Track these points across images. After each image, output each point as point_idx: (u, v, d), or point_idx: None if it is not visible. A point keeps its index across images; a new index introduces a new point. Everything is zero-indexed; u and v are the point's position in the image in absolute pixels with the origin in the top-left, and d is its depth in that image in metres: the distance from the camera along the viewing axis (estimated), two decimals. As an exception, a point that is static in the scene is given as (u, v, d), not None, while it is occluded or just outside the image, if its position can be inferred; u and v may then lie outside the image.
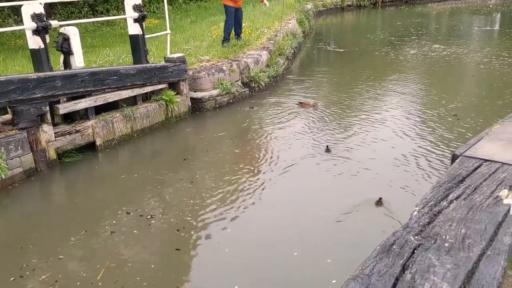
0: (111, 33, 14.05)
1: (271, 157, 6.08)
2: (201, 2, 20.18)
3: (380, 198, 4.72)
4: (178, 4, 19.30)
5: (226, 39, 10.10)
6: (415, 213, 1.93)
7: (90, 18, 15.07)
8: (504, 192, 2.35)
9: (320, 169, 5.65)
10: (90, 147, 6.46)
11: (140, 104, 7.14)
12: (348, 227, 4.34)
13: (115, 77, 6.54)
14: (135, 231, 4.45)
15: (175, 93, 7.61)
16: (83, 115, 6.43)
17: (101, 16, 15.57)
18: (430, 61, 11.61)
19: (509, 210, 2.11)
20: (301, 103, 8.31)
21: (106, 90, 6.57)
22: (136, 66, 6.96)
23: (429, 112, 7.56)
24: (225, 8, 10.08)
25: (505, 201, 2.18)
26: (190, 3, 19.92)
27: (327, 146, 6.20)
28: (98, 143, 6.46)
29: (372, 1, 26.23)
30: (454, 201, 2.11)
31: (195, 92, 8.14)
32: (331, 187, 5.21)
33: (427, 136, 6.47)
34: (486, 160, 2.64)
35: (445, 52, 12.54)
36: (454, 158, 2.77)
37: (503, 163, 2.59)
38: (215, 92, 8.23)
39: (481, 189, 2.33)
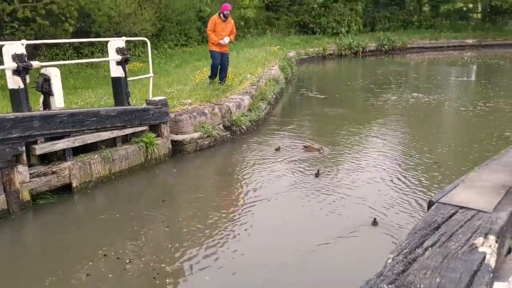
0: (94, 75, 14.11)
1: (253, 200, 6.01)
2: (186, 48, 20.54)
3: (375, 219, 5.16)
4: (163, 49, 19.60)
5: (212, 76, 10.52)
6: (390, 260, 1.89)
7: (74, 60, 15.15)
8: (479, 240, 2.33)
9: (303, 210, 5.60)
10: (66, 189, 6.32)
11: (120, 146, 7.08)
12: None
13: (95, 119, 6.50)
14: (110, 275, 4.29)
15: (156, 135, 7.58)
16: (61, 156, 6.33)
17: (86, 59, 15.67)
18: (410, 108, 11.86)
19: (484, 258, 2.09)
20: (306, 147, 8.22)
21: (86, 132, 6.51)
22: (117, 108, 6.95)
23: (411, 159, 7.63)
24: (211, 53, 10.34)
25: (481, 249, 2.16)
26: (175, 48, 20.25)
27: (318, 170, 6.67)
28: (74, 184, 6.33)
29: (353, 51, 27.03)
30: (430, 248, 2.08)
31: (176, 134, 8.12)
32: (306, 228, 5.15)
33: (408, 183, 6.50)
34: (461, 207, 2.63)
35: (424, 100, 12.86)
36: (430, 204, 2.76)
37: (479, 211, 2.59)
38: (196, 135, 8.23)
39: (457, 236, 2.31)
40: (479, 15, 36.98)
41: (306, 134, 9.38)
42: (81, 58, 15.79)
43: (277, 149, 8.08)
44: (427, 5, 35.76)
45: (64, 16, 13.13)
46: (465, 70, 21.43)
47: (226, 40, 10.09)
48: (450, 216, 2.54)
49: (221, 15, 10.12)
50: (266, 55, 15.84)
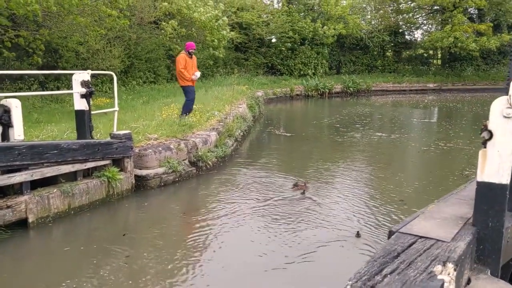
0: (59, 110, 13.86)
1: (217, 236, 5.89)
2: (154, 85, 20.54)
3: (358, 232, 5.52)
4: (132, 86, 19.54)
5: (188, 111, 10.96)
6: (348, 287, 1.86)
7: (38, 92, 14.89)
8: (438, 268, 2.33)
9: (269, 247, 5.51)
10: (21, 224, 6.05)
11: (81, 180, 6.88)
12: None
13: (55, 151, 6.33)
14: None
15: (119, 169, 7.42)
16: (18, 189, 6.09)
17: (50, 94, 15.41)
18: (374, 147, 12.10)
19: (442, 285, 2.08)
20: (295, 185, 8.04)
21: (45, 164, 6.31)
22: (79, 141, 6.80)
23: (378, 196, 7.70)
24: (187, 89, 11.05)
25: (439, 277, 2.16)
26: (144, 85, 20.24)
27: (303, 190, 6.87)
28: (30, 219, 6.06)
29: (319, 92, 27.73)
30: (388, 275, 2.06)
31: (140, 169, 7.98)
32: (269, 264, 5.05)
33: (373, 219, 6.53)
34: (421, 237, 2.65)
35: (387, 140, 13.16)
36: (390, 234, 2.77)
37: (438, 240, 2.61)
38: (161, 170, 8.10)
39: (416, 264, 2.31)
40: (439, 61, 38.78)
41: (273, 170, 9.38)
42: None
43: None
44: (390, 50, 37.26)
45: (31, 49, 12.97)
46: (427, 112, 22.20)
47: (198, 74, 11.00)
48: (410, 245, 2.55)
49: (188, 52, 10.90)
50: (234, 93, 16.05)
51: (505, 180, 2.70)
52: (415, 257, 2.39)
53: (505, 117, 2.64)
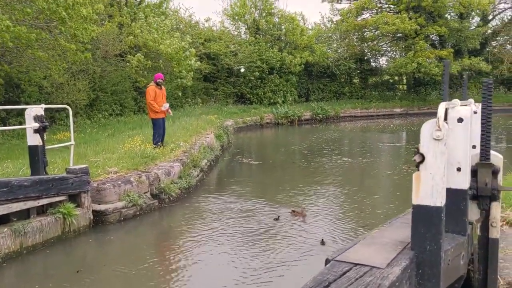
0: (20, 146, 13.47)
1: (179, 272, 5.72)
2: (121, 117, 20.33)
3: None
4: (97, 119, 19.28)
5: (159, 141, 11.19)
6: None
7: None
8: (366, 297, 2.28)
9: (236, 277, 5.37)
10: (-33, 267, 5.76)
11: (34, 218, 6.64)
12: None
13: (5, 189, 6.10)
14: None
15: (76, 205, 7.20)
16: (-36, 230, 5.82)
17: (12, 130, 15.03)
18: (340, 172, 12.16)
19: (369, 315, 2.02)
20: (293, 211, 7.99)
21: (-6, 203, 6.07)
22: (31, 177, 6.59)
23: (346, 223, 7.68)
24: (155, 121, 11.25)
25: (367, 306, 2.10)
26: (110, 117, 19.99)
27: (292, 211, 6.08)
28: (-23, 262, 5.78)
29: (289, 119, 27.97)
30: (313, 307, 2.00)
31: (99, 204, 7.76)
32: None
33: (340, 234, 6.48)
34: (356, 264, 2.59)
35: (354, 165, 13.27)
36: (326, 262, 2.71)
37: (372, 267, 2.56)
38: (120, 204, 7.90)
39: (344, 294, 2.25)
40: (404, 86, 39.80)
41: (238, 199, 9.28)
42: (7, 130, 15.15)
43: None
44: (356, 77, 38.09)
45: (-13, 85, 12.68)
46: (394, 136, 22.59)
47: (167, 105, 11.22)
48: (343, 274, 2.48)
49: (156, 84, 11.12)
50: (201, 123, 16.02)
51: (440, 203, 2.69)
52: (345, 286, 2.33)
53: (435, 139, 2.66)
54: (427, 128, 2.69)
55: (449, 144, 2.74)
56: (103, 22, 18.70)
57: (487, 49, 37.38)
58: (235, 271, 5.65)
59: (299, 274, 5.48)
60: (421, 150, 2.71)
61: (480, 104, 3.48)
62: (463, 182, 3.10)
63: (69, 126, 7.23)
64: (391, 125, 27.10)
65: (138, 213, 8.16)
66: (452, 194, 3.03)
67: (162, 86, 11.36)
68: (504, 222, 4.95)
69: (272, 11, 32.93)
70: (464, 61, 32.80)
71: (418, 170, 2.74)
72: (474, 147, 3.44)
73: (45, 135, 7.14)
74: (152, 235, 7.57)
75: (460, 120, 3.04)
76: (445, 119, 2.89)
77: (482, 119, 3.36)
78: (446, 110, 2.99)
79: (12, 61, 13.62)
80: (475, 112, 3.47)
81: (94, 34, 13.85)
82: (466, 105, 3.25)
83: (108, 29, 18.64)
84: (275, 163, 14.10)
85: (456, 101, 3.07)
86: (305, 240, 6.69)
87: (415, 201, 2.75)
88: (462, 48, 35.22)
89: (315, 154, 15.59)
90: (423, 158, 2.71)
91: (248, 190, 10.27)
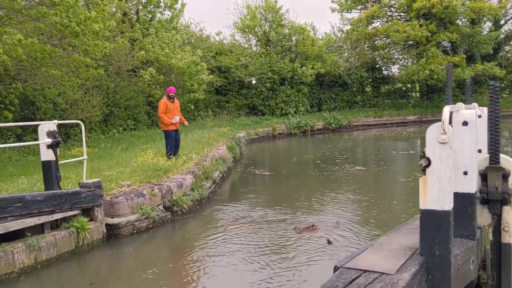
0: (35, 162, 13.66)
1: (193, 280, 5.72)
2: (135, 132, 20.52)
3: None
4: (112, 134, 19.49)
5: (171, 153, 11.39)
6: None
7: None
8: (379, 303, 2.25)
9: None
10: (-17, 282, 5.83)
11: (48, 232, 6.70)
12: None
13: (19, 204, 6.18)
14: None
15: (89, 219, 7.26)
16: (-20, 246, 5.90)
17: (28, 146, 15.27)
18: (353, 181, 12.08)
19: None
20: (306, 227, 7.66)
21: (8, 218, 6.15)
22: (45, 192, 6.68)
23: (361, 233, 7.62)
24: (167, 133, 11.52)
25: (375, 312, 2.08)
26: (124, 132, 20.19)
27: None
28: (-7, 277, 5.85)
29: (301, 130, 27.93)
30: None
31: (112, 218, 7.81)
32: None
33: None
34: (365, 271, 2.57)
35: (367, 173, 13.18)
36: (335, 270, 2.69)
37: (382, 273, 2.54)
38: (133, 217, 7.94)
39: (355, 301, 2.23)
40: (417, 94, 39.56)
41: (250, 211, 9.26)
42: (24, 146, 15.39)
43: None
44: (369, 86, 38.00)
45: (3, 104, 12.93)
46: (408, 144, 22.37)
47: (177, 118, 11.44)
48: (352, 281, 2.47)
49: (168, 97, 11.44)
50: (213, 135, 16.10)
51: (447, 207, 2.67)
52: (354, 293, 2.31)
53: (441, 143, 2.64)
54: (432, 132, 2.68)
55: (455, 148, 2.72)
56: (115, 38, 18.98)
57: (500, 54, 37.04)
58: (250, 279, 5.63)
59: (312, 281, 5.44)
60: (427, 154, 2.69)
61: (485, 108, 3.45)
62: (470, 185, 3.07)
63: (88, 141, 7.42)
64: (404, 133, 26.89)
65: (151, 225, 8.19)
66: (460, 198, 3.00)
67: (175, 99, 11.64)
68: (519, 227, 4.85)
69: (282, 22, 33.11)
70: (477, 67, 32.52)
71: (425, 174, 2.73)
72: (479, 151, 3.40)
73: (58, 151, 7.23)
74: (166, 247, 7.58)
75: (465, 123, 3.02)
76: (450, 122, 2.87)
77: (489, 122, 3.32)
78: (451, 114, 2.97)
79: (27, 79, 13.87)
80: (479, 116, 3.44)
81: (106, 50, 14.05)
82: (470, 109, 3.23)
83: (120, 44, 18.92)
84: (287, 173, 14.07)
85: (460, 104, 3.05)
86: (319, 248, 6.65)
87: (423, 205, 2.73)
88: (474, 54, 34.95)
89: (327, 163, 15.52)
90: (429, 162, 2.69)
91: (260, 201, 10.25)
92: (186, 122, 12.24)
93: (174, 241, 8.02)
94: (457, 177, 3.01)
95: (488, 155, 3.42)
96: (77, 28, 10.34)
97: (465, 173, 3.07)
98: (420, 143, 22.59)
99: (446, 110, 2.66)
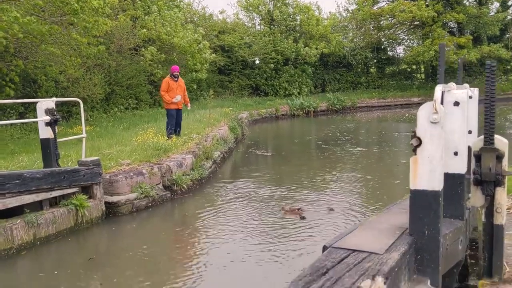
0: (36, 140, 13.68)
1: (193, 263, 5.78)
2: (136, 111, 20.50)
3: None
4: (113, 113, 19.48)
5: (170, 133, 11.39)
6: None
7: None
8: (366, 283, 2.24)
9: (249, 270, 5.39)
10: (-17, 258, 5.90)
11: (47, 209, 6.74)
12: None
13: (17, 181, 6.21)
14: None
15: (88, 197, 7.30)
16: (-21, 222, 5.95)
17: (30, 124, 15.29)
18: (354, 162, 12.07)
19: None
20: (283, 209, 7.71)
21: (7, 195, 6.18)
22: (43, 170, 6.70)
23: (352, 207, 7.64)
24: (169, 112, 11.57)
25: (363, 291, 2.08)
26: (126, 111, 20.18)
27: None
28: (-8, 252, 5.91)
29: (304, 111, 27.79)
30: (310, 294, 1.98)
31: (111, 196, 7.85)
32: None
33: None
34: (354, 250, 2.57)
35: (369, 154, 13.16)
36: (324, 250, 2.68)
37: (370, 253, 2.53)
38: (132, 195, 7.98)
39: (343, 280, 2.22)
40: (422, 75, 39.21)
41: (249, 191, 9.28)
42: (25, 124, 15.42)
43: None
44: (373, 67, 37.67)
45: (3, 81, 12.89)
46: (411, 126, 22.25)
47: (179, 98, 11.36)
48: (341, 260, 2.46)
49: (172, 76, 11.39)
50: (215, 116, 16.06)
51: (437, 187, 2.65)
52: (343, 272, 2.31)
53: (432, 122, 2.61)
54: (424, 111, 2.64)
55: (446, 128, 2.69)
56: (117, 16, 18.81)
57: (507, 35, 36.53)
58: (248, 254, 5.68)
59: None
60: (418, 133, 2.66)
61: (476, 89, 3.41)
62: (460, 166, 3.05)
63: (90, 119, 7.40)
64: (407, 115, 26.77)
65: (150, 204, 8.24)
66: (450, 178, 2.99)
67: (180, 79, 11.60)
68: (515, 208, 4.85)
69: (287, 1, 32.70)
70: (483, 48, 32.13)
71: (415, 154, 2.70)
72: (470, 132, 3.37)
73: (56, 128, 7.23)
74: (164, 225, 7.64)
75: (456, 103, 2.98)
76: (441, 103, 2.83)
77: (485, 103, 3.28)
78: (442, 93, 2.93)
79: (28, 56, 13.81)
80: (470, 97, 3.39)
81: (107, 27, 13.94)
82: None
83: (122, 22, 18.76)
84: (288, 154, 14.06)
85: (452, 84, 3.01)
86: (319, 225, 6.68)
87: (413, 185, 2.72)
88: (481, 35, 34.49)
89: (329, 144, 15.49)
90: (420, 142, 2.66)
91: (260, 181, 10.26)
92: (189, 105, 12.29)
93: (173, 219, 8.08)
94: (448, 158, 2.99)
95: (483, 136, 3.39)
96: (76, 5, 10.24)
97: (456, 153, 3.04)
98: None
99: (438, 89, 2.62)
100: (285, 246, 6.11)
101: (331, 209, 7.39)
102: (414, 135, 2.67)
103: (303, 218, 7.07)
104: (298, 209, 7.61)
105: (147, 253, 6.12)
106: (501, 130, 17.33)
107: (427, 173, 2.65)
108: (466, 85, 3.69)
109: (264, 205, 8.15)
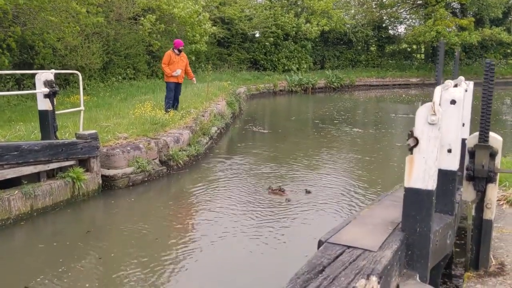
0: (33, 108, 13.62)
1: (187, 237, 5.91)
2: (134, 81, 20.37)
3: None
4: (111, 82, 19.35)
5: (168, 107, 11.45)
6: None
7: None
8: (361, 283, 2.33)
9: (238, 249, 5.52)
10: (-19, 227, 5.99)
11: (44, 181, 6.81)
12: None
13: (15, 153, 6.25)
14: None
15: (85, 170, 7.36)
16: (-23, 192, 6.02)
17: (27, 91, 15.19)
18: (349, 143, 12.16)
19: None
20: (271, 189, 7.74)
21: (5, 166, 6.23)
22: (41, 142, 6.73)
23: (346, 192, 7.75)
24: (168, 85, 11.58)
25: (360, 291, 2.16)
26: (123, 81, 20.04)
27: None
28: (-10, 222, 6.00)
29: (302, 87, 27.71)
30: (310, 295, 2.06)
31: (108, 169, 7.91)
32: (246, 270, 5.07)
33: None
34: (349, 247, 2.65)
35: (364, 135, 13.24)
36: (319, 244, 2.76)
37: (365, 250, 2.61)
38: (129, 170, 8.05)
39: (339, 279, 2.30)
40: (422, 56, 39.00)
41: (244, 168, 9.38)
42: (23, 90, 15.33)
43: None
44: (374, 45, 37.40)
45: (1, 49, 12.75)
46: (409, 107, 22.28)
47: (179, 72, 11.41)
48: (337, 257, 2.54)
49: (175, 50, 11.44)
50: (213, 90, 16.01)
51: (431, 186, 2.72)
52: (339, 271, 2.39)
53: (430, 124, 2.66)
54: (423, 112, 2.69)
55: (441, 125, 2.74)
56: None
57: (510, 18, 36.22)
58: (242, 229, 5.81)
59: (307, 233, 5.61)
60: (415, 134, 2.72)
61: (471, 83, 3.45)
62: (453, 163, 3.12)
63: (87, 88, 7.37)
64: (404, 95, 26.77)
65: (146, 179, 8.32)
66: (442, 175, 3.06)
67: (182, 53, 11.66)
68: (505, 201, 4.96)
69: (289, -26, 32.15)
70: (485, 31, 31.91)
71: (411, 154, 2.76)
72: (463, 125, 3.44)
73: (55, 100, 7.22)
74: (160, 200, 7.75)
75: (453, 102, 3.03)
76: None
77: (482, 101, 3.33)
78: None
79: (26, 22, 13.62)
80: (465, 90, 3.44)
81: (106, -4, 13.72)
82: (457, 85, 3.23)
83: (122, -10, 18.44)
84: (285, 132, 14.12)
85: (448, 82, 3.05)
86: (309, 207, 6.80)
87: (407, 183, 2.78)
88: (483, 17, 34.18)
89: (326, 123, 15.55)
90: (417, 142, 2.72)
91: (256, 158, 10.34)
92: (194, 79, 12.46)
93: (169, 194, 8.17)
94: (441, 154, 3.06)
95: (478, 133, 3.45)
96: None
97: (449, 150, 3.11)
98: (421, 106, 22.48)
99: (438, 91, 2.67)
100: (275, 223, 6.24)
101: (308, 191, 7.54)
102: (411, 135, 2.73)
103: (288, 200, 7.17)
104: (282, 190, 7.68)
105: (143, 227, 6.23)
106: (497, 116, 17.44)
107: (422, 172, 2.72)
108: (462, 77, 3.73)
109: (256, 182, 8.27)
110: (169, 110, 11.34)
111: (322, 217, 6.55)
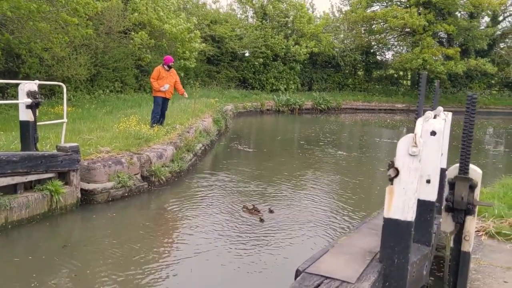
0: (16, 117, 13.42)
1: (164, 254, 5.80)
2: (121, 94, 20.27)
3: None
4: (97, 95, 19.23)
5: (154, 122, 11.51)
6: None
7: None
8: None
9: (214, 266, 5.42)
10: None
11: (21, 193, 6.66)
12: None
13: (-7, 163, 6.12)
14: None
15: (64, 183, 7.23)
16: (-50, 202, 5.85)
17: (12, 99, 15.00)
18: (333, 165, 12.18)
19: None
20: (245, 208, 7.67)
21: (-19, 176, 6.09)
22: (20, 153, 6.61)
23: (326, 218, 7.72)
24: (155, 99, 11.68)
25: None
26: (110, 94, 19.93)
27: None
28: (-39, 234, 5.83)
29: (290, 108, 27.89)
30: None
31: (88, 183, 7.78)
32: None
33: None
34: (326, 277, 2.61)
35: (349, 159, 13.29)
36: (297, 274, 2.72)
37: (343, 281, 2.57)
38: (109, 184, 7.92)
39: (317, 313, 2.27)
40: (408, 82, 39.61)
41: (226, 187, 9.31)
42: (7, 99, 15.13)
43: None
44: (361, 69, 37.91)
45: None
46: (394, 132, 22.52)
47: (167, 86, 11.50)
48: (315, 288, 2.50)
49: (165, 66, 11.56)
50: (200, 106, 16.00)
51: (410, 217, 2.71)
52: (318, 304, 2.35)
53: (411, 155, 2.66)
54: (404, 144, 2.69)
55: (422, 156, 2.74)
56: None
57: (495, 50, 37.08)
58: (223, 249, 5.72)
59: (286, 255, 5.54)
60: (396, 164, 2.71)
61: (449, 113, 3.48)
62: (431, 194, 3.12)
63: (73, 99, 7.29)
64: (389, 120, 27.06)
65: (126, 194, 8.19)
66: (421, 205, 3.05)
67: (172, 70, 11.76)
68: (484, 233, 4.97)
69: (281, -4, 32.60)
70: (471, 62, 32.58)
71: (392, 184, 2.75)
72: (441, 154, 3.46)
73: (37, 112, 7.12)
74: (139, 216, 7.61)
75: (433, 133, 3.05)
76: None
77: (463, 134, 3.35)
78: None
79: (14, 31, 13.52)
80: (444, 121, 3.47)
81: (97, 10, 13.72)
82: (436, 116, 3.26)
83: (113, 4, 18.47)
84: (270, 151, 14.11)
85: (429, 113, 3.07)
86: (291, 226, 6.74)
87: (387, 214, 2.76)
88: (469, 48, 34.91)
89: (310, 144, 15.59)
90: (397, 173, 2.71)
91: (239, 177, 10.28)
92: (185, 94, 12.51)
93: (148, 210, 8.06)
94: (420, 185, 3.06)
95: (458, 165, 3.46)
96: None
97: (428, 181, 3.12)
98: (406, 132, 22.76)
99: (419, 123, 2.67)
100: (252, 242, 6.17)
101: (271, 211, 7.56)
102: (392, 165, 2.72)
103: (261, 220, 7.12)
104: (257, 210, 7.61)
105: (121, 244, 6.11)
106: (480, 145, 17.69)
107: (401, 203, 2.70)
108: (441, 108, 3.77)
109: (236, 200, 8.22)
110: (154, 125, 11.27)
111: (300, 240, 6.50)
